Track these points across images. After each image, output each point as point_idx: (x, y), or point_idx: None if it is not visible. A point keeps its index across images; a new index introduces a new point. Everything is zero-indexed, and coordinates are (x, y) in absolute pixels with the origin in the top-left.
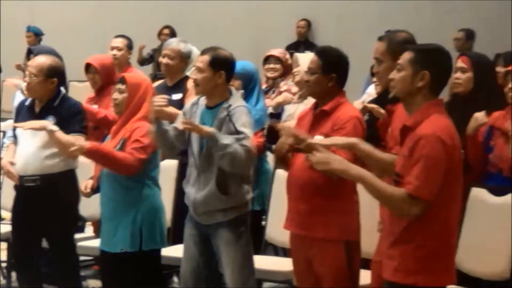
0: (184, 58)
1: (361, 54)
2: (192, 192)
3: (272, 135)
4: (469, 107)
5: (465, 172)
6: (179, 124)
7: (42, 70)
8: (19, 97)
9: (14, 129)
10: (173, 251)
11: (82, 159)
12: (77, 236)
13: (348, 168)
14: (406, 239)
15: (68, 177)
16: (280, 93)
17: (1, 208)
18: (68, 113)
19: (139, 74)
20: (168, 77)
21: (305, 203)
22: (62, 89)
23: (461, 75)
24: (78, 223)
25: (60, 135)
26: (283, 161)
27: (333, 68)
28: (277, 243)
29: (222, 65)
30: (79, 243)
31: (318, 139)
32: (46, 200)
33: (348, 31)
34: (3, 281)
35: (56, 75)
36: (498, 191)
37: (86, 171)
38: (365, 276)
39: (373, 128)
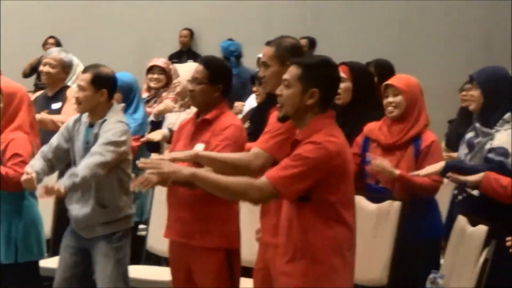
0: (65, 68)
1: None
2: (76, 208)
3: (152, 145)
4: (348, 117)
5: None
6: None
7: None
8: None
9: None
10: (54, 263)
11: None
12: None
13: (178, 169)
14: (301, 256)
15: None
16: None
17: None
18: None
19: (13, 83)
20: (48, 86)
21: (185, 211)
22: None
23: (340, 85)
24: None
25: None
26: None
27: (219, 78)
28: (159, 252)
29: (103, 83)
30: None
31: (198, 148)
32: None
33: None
34: None
35: None
36: (376, 199)
37: None
38: (245, 284)
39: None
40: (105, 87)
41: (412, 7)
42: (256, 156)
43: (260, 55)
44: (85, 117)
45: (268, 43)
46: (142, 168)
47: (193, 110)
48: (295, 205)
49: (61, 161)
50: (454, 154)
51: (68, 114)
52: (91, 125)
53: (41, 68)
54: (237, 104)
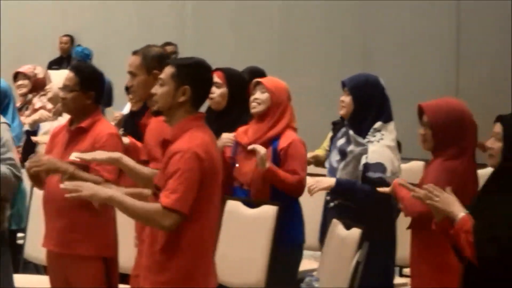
0: None
1: (120, 69)
2: None
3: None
4: (224, 122)
5: None
6: None
7: None
8: None
9: None
10: None
11: None
12: None
13: (96, 191)
14: (162, 266)
15: None
16: (35, 110)
17: None
18: None
19: None
20: None
21: (62, 220)
22: None
23: (215, 90)
24: None
25: None
26: (36, 180)
27: (90, 85)
28: (37, 260)
29: None
30: None
31: (75, 156)
32: None
33: (110, 46)
34: None
35: None
36: (251, 203)
37: None
38: None
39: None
40: None
41: (291, 14)
42: None
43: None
44: None
45: (135, 53)
46: (64, 190)
47: (66, 117)
48: None
49: None
50: (309, 154)
51: None
52: None
53: None
54: (117, 114)
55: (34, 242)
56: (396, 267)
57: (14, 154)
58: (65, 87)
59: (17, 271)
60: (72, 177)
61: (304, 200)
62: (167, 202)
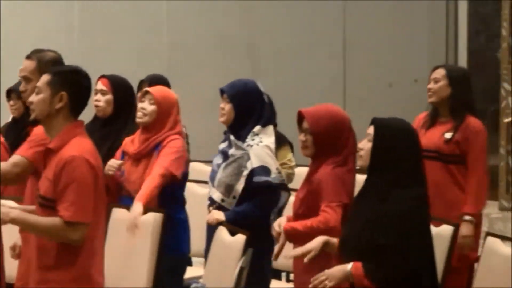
0: None
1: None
2: None
3: None
4: (110, 129)
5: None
6: None
7: None
8: None
9: None
10: None
11: None
12: None
13: (6, 213)
14: (56, 265)
15: None
16: None
17: None
18: None
19: None
20: None
21: None
22: None
23: (101, 97)
24: None
25: None
26: None
27: None
28: None
29: None
30: None
31: None
32: None
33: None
34: None
35: None
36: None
37: None
38: None
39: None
40: None
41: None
42: (15, 164)
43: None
44: None
45: (28, 57)
46: None
47: None
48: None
49: None
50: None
51: None
52: None
53: None
54: None
55: None
56: (283, 272)
57: None
58: None
59: None
60: None
61: (191, 206)
62: (69, 216)
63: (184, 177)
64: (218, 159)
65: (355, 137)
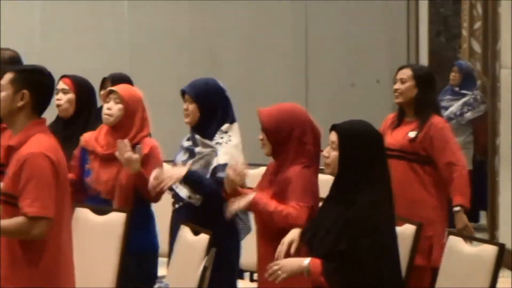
0: None
1: None
2: None
3: None
4: (72, 129)
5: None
6: None
7: None
8: None
9: None
10: None
11: None
12: None
13: None
14: (24, 263)
15: None
16: None
17: None
18: None
19: None
20: None
21: None
22: None
23: (62, 96)
24: None
25: None
26: None
27: None
28: None
29: None
30: None
31: None
32: None
33: None
34: None
35: None
36: (100, 211)
37: None
38: None
39: None
40: None
41: (141, 19)
42: None
43: None
44: None
45: None
46: None
47: None
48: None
49: None
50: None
51: None
52: None
53: None
54: None
55: None
56: (247, 272)
57: None
58: None
59: None
60: None
61: (156, 205)
62: (34, 211)
63: None
64: (182, 156)
65: (319, 136)
